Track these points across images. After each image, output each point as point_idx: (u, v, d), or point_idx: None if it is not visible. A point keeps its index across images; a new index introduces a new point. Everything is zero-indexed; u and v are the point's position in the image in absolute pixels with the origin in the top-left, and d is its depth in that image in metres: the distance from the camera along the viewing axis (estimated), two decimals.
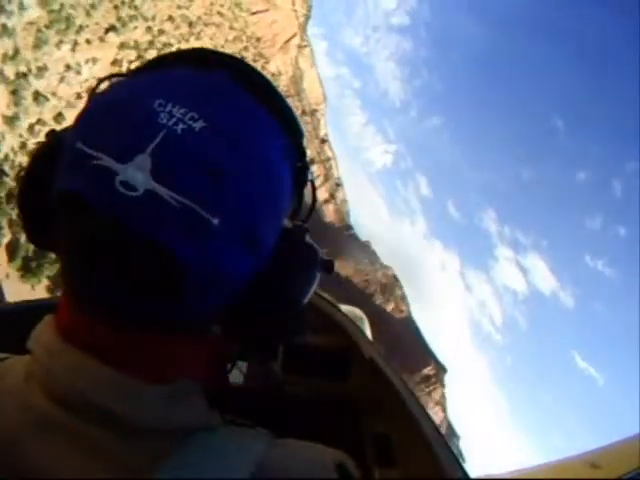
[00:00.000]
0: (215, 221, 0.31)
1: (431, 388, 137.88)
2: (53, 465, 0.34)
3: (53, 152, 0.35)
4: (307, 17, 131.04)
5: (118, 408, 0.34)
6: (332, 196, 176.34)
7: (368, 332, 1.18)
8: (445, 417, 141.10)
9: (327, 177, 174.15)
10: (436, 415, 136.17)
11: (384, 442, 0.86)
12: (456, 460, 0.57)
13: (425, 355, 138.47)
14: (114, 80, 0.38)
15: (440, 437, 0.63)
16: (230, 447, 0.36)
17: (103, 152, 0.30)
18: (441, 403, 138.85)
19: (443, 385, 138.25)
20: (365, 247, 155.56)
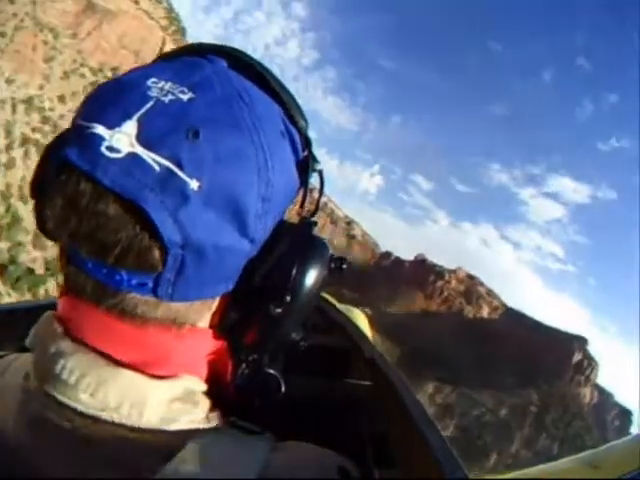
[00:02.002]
0: (194, 184, 0.31)
1: (588, 371, 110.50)
2: (52, 466, 0.33)
3: (59, 137, 0.35)
4: (176, 25, 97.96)
5: (122, 410, 0.34)
6: (351, 237, 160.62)
7: (368, 332, 1.17)
8: (594, 384, 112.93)
9: (334, 221, 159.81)
10: (591, 394, 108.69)
11: (384, 442, 0.86)
12: (456, 460, 0.56)
13: (562, 343, 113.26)
14: None
15: (440, 437, 0.61)
16: (233, 451, 0.36)
17: (96, 122, 0.31)
18: (593, 379, 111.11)
19: (593, 359, 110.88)
20: (420, 264, 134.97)
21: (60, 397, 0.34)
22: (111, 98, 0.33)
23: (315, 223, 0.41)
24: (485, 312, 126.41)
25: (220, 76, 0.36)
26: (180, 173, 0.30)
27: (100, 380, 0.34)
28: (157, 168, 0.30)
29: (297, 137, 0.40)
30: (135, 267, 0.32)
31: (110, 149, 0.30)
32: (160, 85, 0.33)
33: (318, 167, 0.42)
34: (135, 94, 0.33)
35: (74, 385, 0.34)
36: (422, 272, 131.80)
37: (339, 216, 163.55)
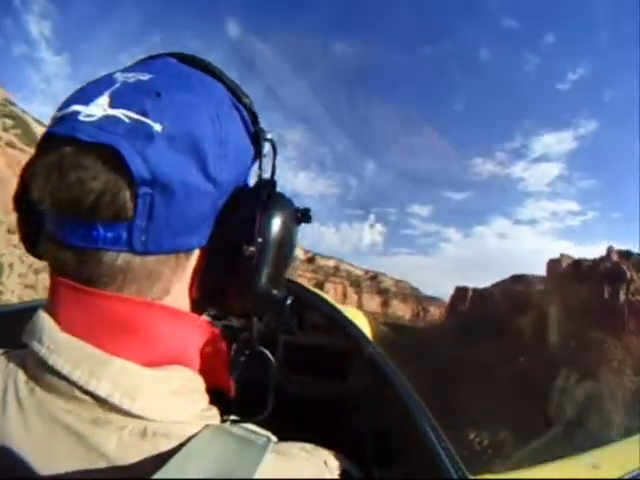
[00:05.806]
0: (157, 126, 0.36)
1: None
2: (48, 464, 0.34)
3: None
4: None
5: (113, 399, 0.35)
6: (383, 291, 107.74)
7: (368, 332, 1.16)
8: None
9: (356, 283, 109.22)
10: None
11: (384, 441, 0.86)
12: (455, 459, 0.57)
13: None
14: None
15: (439, 436, 0.63)
16: (231, 450, 0.35)
17: (72, 104, 0.37)
18: None
19: None
20: (575, 268, 73.12)
21: (55, 391, 0.35)
22: (83, 89, 0.39)
23: (274, 182, 0.46)
24: None
25: (172, 65, 0.44)
26: (146, 119, 0.36)
27: (92, 370, 0.35)
28: (127, 120, 0.35)
29: (245, 113, 0.46)
30: (109, 215, 0.35)
31: (87, 116, 0.35)
32: (124, 75, 0.40)
33: (267, 136, 0.47)
34: (103, 81, 0.39)
35: (67, 378, 0.35)
36: (576, 283, 67.25)
37: (359, 275, 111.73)
